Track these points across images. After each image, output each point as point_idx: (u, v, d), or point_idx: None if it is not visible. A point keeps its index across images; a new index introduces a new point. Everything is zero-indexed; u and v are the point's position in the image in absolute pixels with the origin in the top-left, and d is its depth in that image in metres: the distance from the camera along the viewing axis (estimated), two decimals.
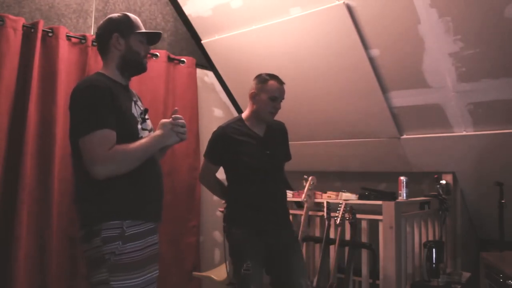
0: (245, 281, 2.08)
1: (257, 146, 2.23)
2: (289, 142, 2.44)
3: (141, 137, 1.65)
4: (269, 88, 2.21)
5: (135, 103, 1.73)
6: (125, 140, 1.57)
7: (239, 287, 2.09)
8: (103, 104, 1.56)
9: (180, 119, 1.67)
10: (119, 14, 1.74)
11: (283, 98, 2.26)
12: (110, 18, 1.73)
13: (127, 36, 1.70)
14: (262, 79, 2.24)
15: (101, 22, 1.75)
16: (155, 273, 1.65)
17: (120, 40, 1.69)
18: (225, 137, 2.24)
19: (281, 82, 2.25)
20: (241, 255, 2.14)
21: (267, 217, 2.21)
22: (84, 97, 1.58)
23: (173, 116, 1.67)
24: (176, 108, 1.75)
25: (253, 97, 2.25)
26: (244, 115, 2.31)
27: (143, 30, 1.74)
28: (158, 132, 1.64)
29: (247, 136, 2.24)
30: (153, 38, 1.81)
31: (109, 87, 1.60)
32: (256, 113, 2.26)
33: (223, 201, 2.37)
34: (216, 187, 2.42)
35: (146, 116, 1.77)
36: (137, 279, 1.55)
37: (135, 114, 1.68)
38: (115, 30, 1.69)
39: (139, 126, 1.67)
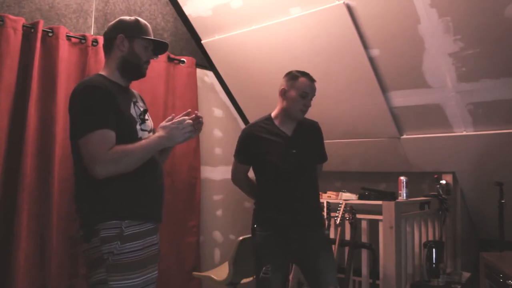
0: (263, 284, 2.06)
1: (283, 145, 2.18)
2: None
3: (140, 138, 1.66)
4: (299, 85, 2.18)
5: (135, 104, 1.74)
6: (124, 141, 1.58)
7: None
8: (102, 105, 1.56)
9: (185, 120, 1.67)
10: (131, 18, 1.76)
11: (313, 95, 2.23)
12: (121, 19, 1.75)
13: (132, 39, 1.71)
14: (293, 76, 2.22)
15: (112, 21, 1.77)
16: (155, 273, 1.65)
17: (125, 42, 1.70)
18: (251, 136, 2.22)
19: (312, 80, 2.22)
20: (261, 258, 2.11)
21: (292, 220, 2.14)
22: (83, 98, 1.58)
23: (191, 117, 1.68)
24: (189, 110, 1.78)
25: (284, 93, 2.21)
26: (273, 113, 2.27)
27: (150, 37, 1.75)
28: (159, 133, 1.64)
29: (274, 135, 2.20)
30: (160, 48, 1.82)
31: (107, 88, 1.60)
32: (286, 110, 2.22)
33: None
34: (247, 188, 2.37)
35: (146, 117, 1.77)
36: (136, 279, 1.56)
37: (134, 115, 1.69)
38: (122, 31, 1.71)
39: (138, 127, 1.68)
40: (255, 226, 2.20)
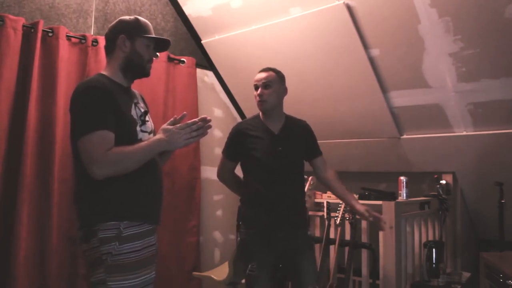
0: (249, 281, 2.09)
1: (269, 142, 2.22)
2: None
3: (140, 139, 1.66)
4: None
5: (136, 105, 1.73)
6: (123, 141, 1.57)
7: (245, 286, 2.10)
8: (102, 105, 1.56)
9: (195, 123, 1.64)
10: (130, 17, 1.75)
11: (262, 84, 2.22)
12: (121, 20, 1.75)
13: (134, 39, 1.70)
14: None
15: (113, 22, 1.77)
16: (153, 274, 1.65)
17: (126, 42, 1.70)
18: (239, 133, 2.27)
19: (262, 70, 2.27)
20: (247, 256, 2.15)
21: (277, 219, 2.17)
22: (83, 98, 1.58)
23: (200, 119, 1.66)
24: (185, 113, 1.76)
25: None
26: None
27: (151, 35, 1.74)
28: (159, 136, 1.63)
29: (261, 132, 2.24)
30: (162, 45, 1.81)
31: (108, 89, 1.60)
32: None
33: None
34: (233, 185, 2.42)
35: (147, 118, 1.77)
36: (134, 279, 1.56)
37: (135, 116, 1.68)
38: (123, 31, 1.70)
39: (138, 128, 1.68)
40: (240, 223, 2.24)
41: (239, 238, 2.25)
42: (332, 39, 2.90)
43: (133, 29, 1.71)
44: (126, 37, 1.69)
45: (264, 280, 2.10)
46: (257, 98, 2.23)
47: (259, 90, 2.22)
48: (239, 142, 2.26)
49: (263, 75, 2.24)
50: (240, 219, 2.26)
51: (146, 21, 1.76)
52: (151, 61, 1.76)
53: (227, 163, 2.36)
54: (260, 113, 2.31)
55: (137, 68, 1.73)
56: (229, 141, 2.33)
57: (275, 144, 2.22)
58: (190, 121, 1.64)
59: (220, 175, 2.43)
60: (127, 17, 1.75)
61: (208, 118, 1.67)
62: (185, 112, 1.78)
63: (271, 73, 2.25)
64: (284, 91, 2.30)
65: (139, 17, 1.76)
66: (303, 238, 2.26)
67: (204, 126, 1.65)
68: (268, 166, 2.19)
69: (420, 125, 3.13)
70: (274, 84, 2.23)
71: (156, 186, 1.73)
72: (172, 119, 1.74)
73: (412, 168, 3.39)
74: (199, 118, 1.68)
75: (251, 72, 2.38)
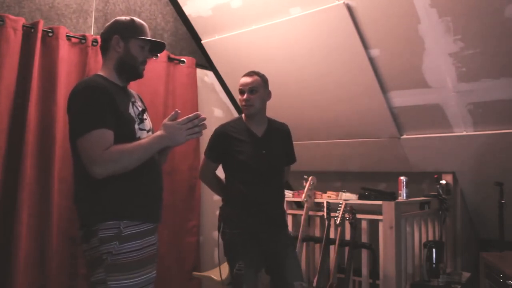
0: (238, 281, 2.11)
1: (253, 145, 2.23)
2: None
3: (139, 138, 1.66)
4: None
5: (133, 104, 1.73)
6: (122, 140, 1.57)
7: (233, 287, 2.12)
8: (99, 105, 1.56)
9: (194, 118, 1.63)
10: (126, 18, 1.75)
11: (248, 88, 2.22)
12: (116, 20, 1.74)
13: (128, 40, 1.70)
14: None
15: (109, 22, 1.77)
16: (153, 273, 1.65)
17: (120, 43, 1.69)
18: (223, 135, 2.27)
19: (246, 74, 2.27)
20: (234, 255, 2.16)
21: (261, 220, 2.20)
22: (81, 98, 1.58)
23: (188, 117, 1.63)
24: (178, 111, 1.72)
25: None
26: (243, 114, 2.33)
27: (146, 37, 1.74)
28: (160, 132, 1.62)
29: (245, 135, 2.25)
30: (157, 47, 1.81)
31: (105, 88, 1.60)
32: None
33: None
34: (215, 185, 2.44)
35: (145, 116, 1.77)
36: (134, 279, 1.56)
37: (133, 115, 1.68)
38: (117, 32, 1.70)
39: (136, 127, 1.67)
40: (223, 224, 2.25)
41: (221, 240, 2.25)
42: (332, 39, 2.90)
43: (127, 30, 1.71)
44: (120, 37, 1.69)
45: (252, 278, 2.12)
46: (243, 102, 2.24)
47: (245, 95, 2.23)
48: (223, 144, 2.26)
49: (248, 80, 2.25)
50: (223, 220, 2.26)
51: (142, 22, 1.76)
52: (144, 62, 1.75)
53: (209, 164, 2.36)
54: (243, 116, 2.31)
55: (130, 69, 1.72)
56: (213, 143, 2.32)
57: (259, 147, 2.23)
58: (191, 115, 1.63)
59: (202, 175, 2.46)
60: (122, 18, 1.75)
61: (202, 116, 1.65)
62: (179, 111, 1.74)
63: (256, 77, 2.25)
64: (268, 95, 2.31)
65: (134, 18, 1.75)
66: (286, 238, 2.31)
67: (203, 122, 1.64)
68: (254, 169, 2.21)
69: (420, 125, 3.14)
70: (259, 88, 2.24)
71: (156, 185, 1.73)
72: (173, 112, 1.69)
73: (412, 168, 3.40)
74: (194, 114, 1.65)
75: None
